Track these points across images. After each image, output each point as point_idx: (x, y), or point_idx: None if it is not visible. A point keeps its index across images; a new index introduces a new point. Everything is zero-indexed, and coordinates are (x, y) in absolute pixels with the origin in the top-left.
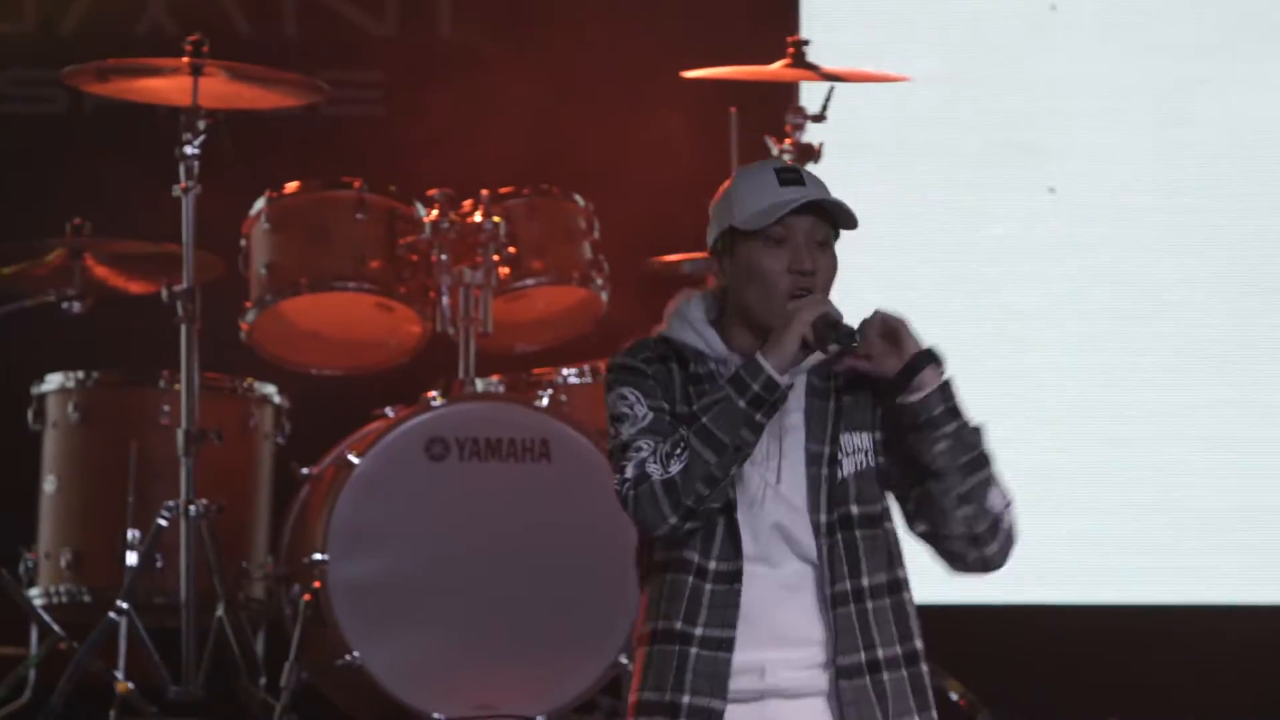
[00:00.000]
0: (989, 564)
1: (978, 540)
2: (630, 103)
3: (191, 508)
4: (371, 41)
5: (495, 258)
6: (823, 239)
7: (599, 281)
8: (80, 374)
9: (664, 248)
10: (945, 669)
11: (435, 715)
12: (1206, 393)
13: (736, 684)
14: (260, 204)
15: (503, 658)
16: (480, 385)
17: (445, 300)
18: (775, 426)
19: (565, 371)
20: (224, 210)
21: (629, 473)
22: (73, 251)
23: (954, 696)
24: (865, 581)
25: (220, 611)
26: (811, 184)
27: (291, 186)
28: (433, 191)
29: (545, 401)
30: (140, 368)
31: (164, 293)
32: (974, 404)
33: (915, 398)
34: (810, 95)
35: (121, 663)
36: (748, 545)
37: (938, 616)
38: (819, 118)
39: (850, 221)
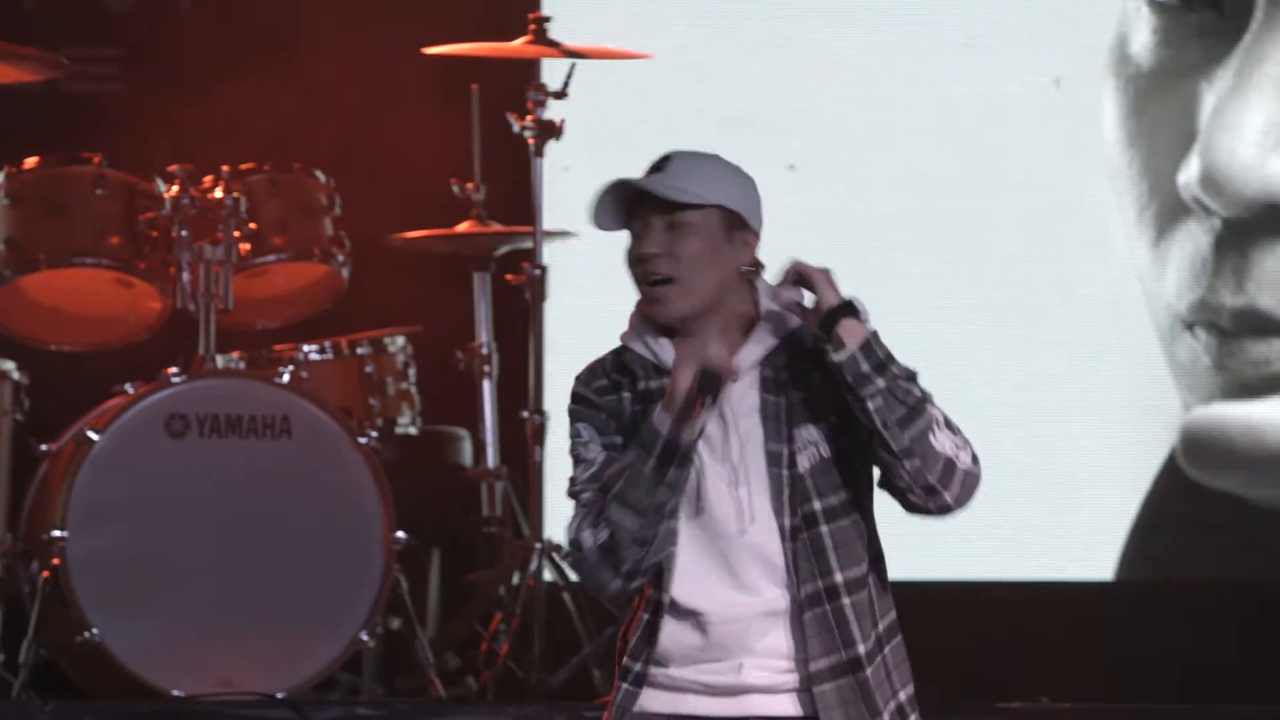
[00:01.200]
0: (950, 509)
1: (933, 490)
2: (372, 79)
3: None
4: (111, 16)
5: (236, 234)
6: (672, 223)
7: (340, 258)
8: None
9: (406, 224)
10: None
11: (175, 692)
12: (949, 368)
13: (715, 679)
14: None
15: (243, 635)
16: (221, 362)
17: (186, 276)
18: (734, 437)
19: (306, 348)
20: None
21: (571, 533)
22: None
23: None
24: (838, 578)
25: None
26: (648, 177)
27: (30, 162)
28: (173, 167)
29: (286, 378)
30: None
31: None
32: None
33: (839, 357)
34: (552, 72)
35: None
36: (726, 577)
37: None
38: (560, 94)
39: (675, 194)
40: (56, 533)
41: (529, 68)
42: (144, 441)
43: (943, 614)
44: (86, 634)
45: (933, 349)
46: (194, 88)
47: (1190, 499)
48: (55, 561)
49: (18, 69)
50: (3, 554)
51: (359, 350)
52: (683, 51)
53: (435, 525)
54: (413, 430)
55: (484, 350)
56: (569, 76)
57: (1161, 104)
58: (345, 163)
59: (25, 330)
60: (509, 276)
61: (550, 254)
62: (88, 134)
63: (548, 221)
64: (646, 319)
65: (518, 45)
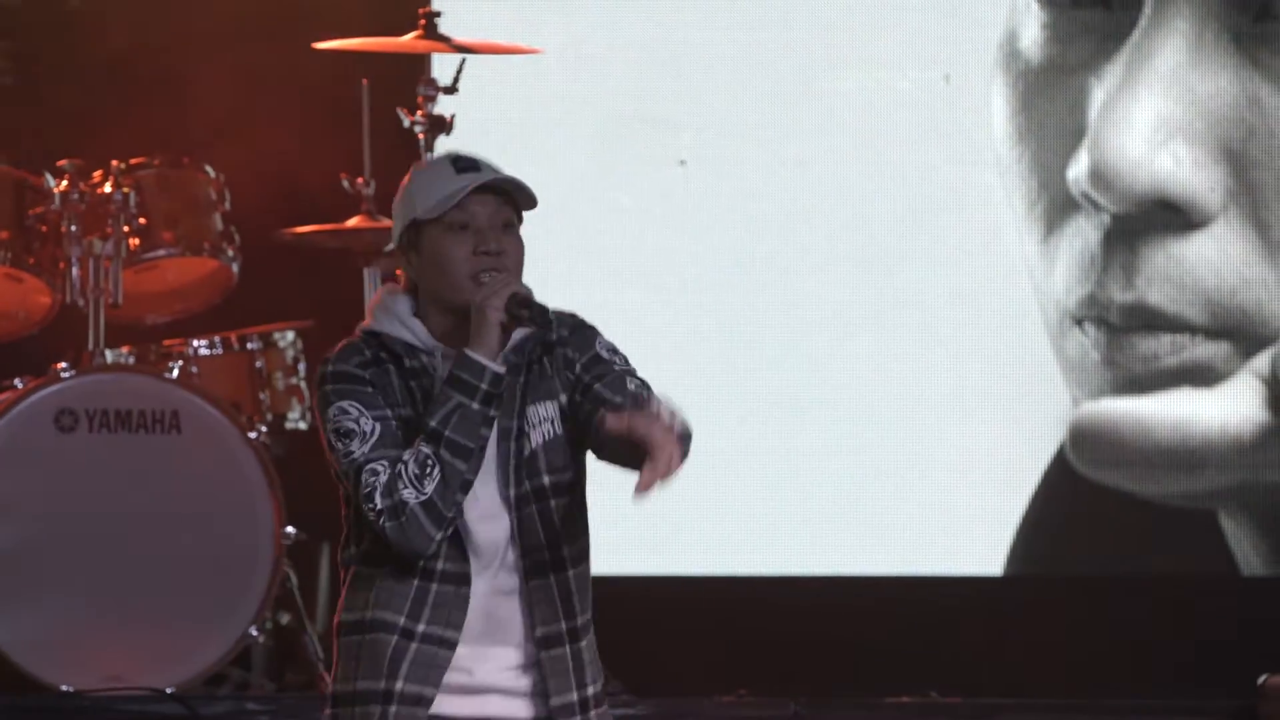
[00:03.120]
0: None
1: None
2: (263, 73)
3: None
4: (0, 10)
5: (125, 229)
6: (506, 221)
7: (230, 253)
8: None
9: (295, 219)
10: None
11: (64, 687)
12: (838, 362)
13: (450, 678)
14: None
15: (132, 629)
16: (110, 357)
17: (75, 271)
18: None
19: (196, 343)
20: None
21: (379, 503)
22: None
23: None
24: (564, 551)
25: None
26: (487, 169)
27: None
28: (62, 162)
29: (175, 373)
30: None
31: None
32: None
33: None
34: (442, 67)
35: None
36: (469, 548)
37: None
38: (451, 89)
39: (529, 201)
40: None
41: (419, 62)
42: (33, 436)
43: (832, 609)
44: None
45: (821, 343)
46: (83, 83)
47: (1079, 494)
48: None
49: None
50: None
51: (249, 345)
52: (573, 46)
53: (325, 520)
54: (302, 425)
55: None
56: (459, 71)
57: (1051, 100)
58: (235, 157)
59: None
60: (399, 271)
61: None
62: None
63: None
64: (445, 302)
65: (408, 40)
